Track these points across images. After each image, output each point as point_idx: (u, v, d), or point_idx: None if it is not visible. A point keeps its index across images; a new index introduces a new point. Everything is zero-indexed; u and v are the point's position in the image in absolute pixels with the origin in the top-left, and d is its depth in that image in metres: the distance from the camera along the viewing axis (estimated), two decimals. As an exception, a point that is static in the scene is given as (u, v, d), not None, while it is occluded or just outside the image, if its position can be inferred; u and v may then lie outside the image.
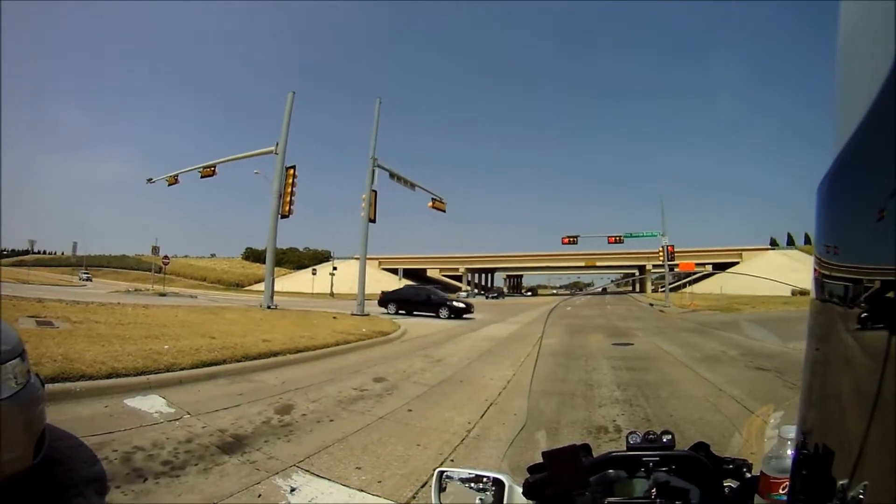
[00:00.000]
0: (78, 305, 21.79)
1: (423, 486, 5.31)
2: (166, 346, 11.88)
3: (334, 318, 25.11)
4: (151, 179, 44.02)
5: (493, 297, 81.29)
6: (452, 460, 6.27)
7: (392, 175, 36.39)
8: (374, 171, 33.64)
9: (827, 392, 0.99)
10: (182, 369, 10.19)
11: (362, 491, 5.24)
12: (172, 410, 7.89)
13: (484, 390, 10.28)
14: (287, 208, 32.44)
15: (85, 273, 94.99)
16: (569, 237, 60.81)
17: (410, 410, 8.61)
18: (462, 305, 33.86)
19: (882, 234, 0.73)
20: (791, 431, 1.33)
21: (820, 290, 0.96)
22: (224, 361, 11.33)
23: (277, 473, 5.60)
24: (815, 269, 0.98)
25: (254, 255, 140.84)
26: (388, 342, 18.55)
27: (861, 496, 0.79)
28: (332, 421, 7.81)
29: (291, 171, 32.92)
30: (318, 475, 5.63)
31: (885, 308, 0.74)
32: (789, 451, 1.31)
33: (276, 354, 12.89)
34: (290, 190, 32.55)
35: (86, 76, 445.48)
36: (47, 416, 4.84)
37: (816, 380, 1.02)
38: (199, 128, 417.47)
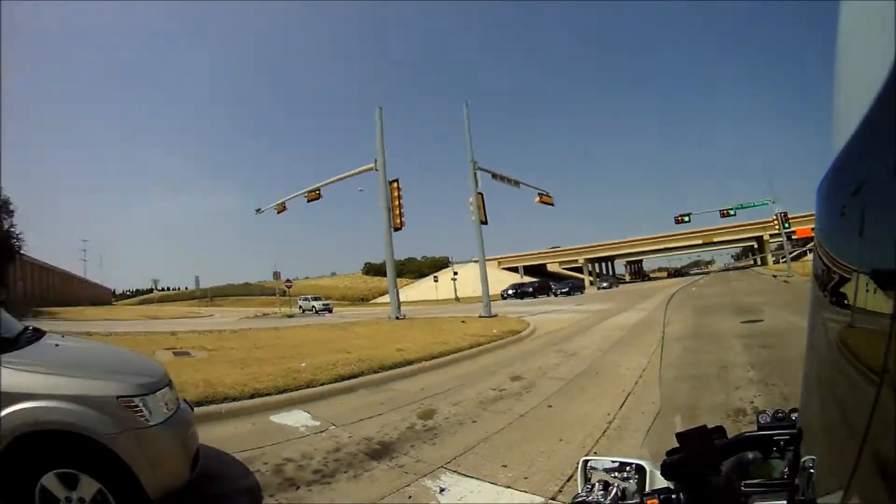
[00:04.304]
0: (211, 334, 22.82)
1: (568, 480, 5.38)
2: (303, 364, 12.30)
3: (463, 321, 25.08)
4: (260, 210, 45.12)
5: (563, 293, 68.66)
6: (595, 452, 6.23)
7: (494, 176, 35.95)
8: (475, 174, 33.30)
9: (829, 388, 0.98)
10: (322, 384, 10.52)
11: (510, 488, 5.36)
12: (318, 423, 8.25)
13: (620, 381, 10.16)
14: (398, 221, 32.45)
15: (319, 301, 66.18)
16: (681, 216, 59.20)
17: (550, 406, 8.67)
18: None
19: (883, 234, 0.73)
20: None
21: (821, 290, 0.96)
22: (362, 373, 11.66)
23: (426, 475, 5.82)
24: (820, 257, 0.98)
25: (373, 269, 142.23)
26: (519, 340, 18.67)
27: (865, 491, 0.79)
28: (474, 422, 7.97)
29: (395, 185, 32.83)
30: (465, 475, 5.80)
31: (886, 307, 0.71)
32: None
33: (411, 363, 13.10)
34: (397, 203, 32.52)
35: (181, 119, 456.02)
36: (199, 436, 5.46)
37: (814, 375, 1.04)
38: (295, 153, 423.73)
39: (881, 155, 0.73)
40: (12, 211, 51.71)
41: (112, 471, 4.24)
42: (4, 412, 3.97)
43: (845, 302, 0.84)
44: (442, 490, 5.43)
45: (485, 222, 33.49)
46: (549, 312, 32.02)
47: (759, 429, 1.60)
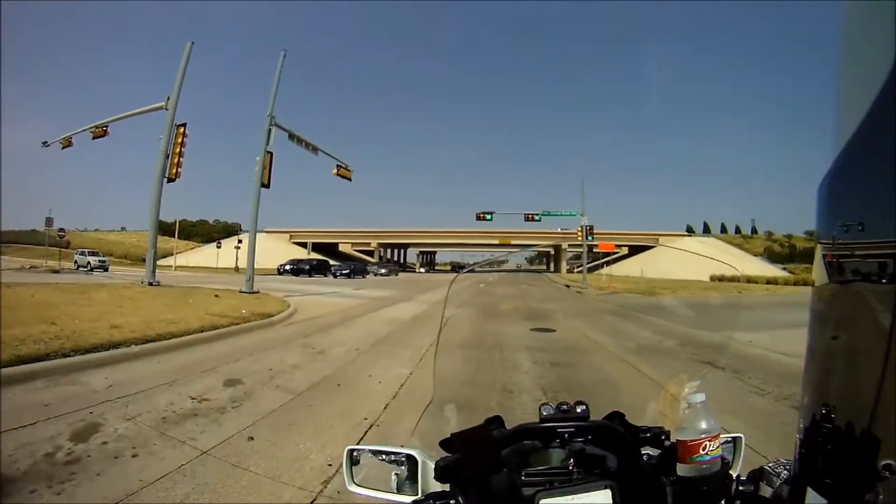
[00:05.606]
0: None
1: None
2: (-11, 337, 9.66)
3: (217, 296, 22.38)
4: (47, 143, 40.43)
5: (343, 274, 64.20)
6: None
7: (291, 136, 33.54)
8: (270, 131, 30.88)
9: (831, 377, 0.98)
10: (-8, 367, 8.30)
11: None
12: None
13: (367, 399, 7.90)
14: (175, 171, 29.75)
15: (95, 257, 57.48)
16: (483, 213, 59.30)
17: (252, 439, 6.13)
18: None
19: (883, 232, 0.78)
20: (698, 398, 1.36)
21: (825, 279, 0.97)
22: (48, 356, 9.22)
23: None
24: (824, 255, 0.97)
25: (163, 228, 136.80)
26: (269, 326, 16.15)
27: (886, 475, 0.79)
28: (135, 457, 5.48)
29: (182, 130, 30.17)
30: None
31: (888, 300, 0.77)
32: (701, 417, 1.34)
33: (118, 345, 10.60)
34: (178, 150, 29.84)
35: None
36: None
37: (820, 363, 1.01)
38: (87, 84, 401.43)
39: (882, 155, 0.79)
40: None
41: None
42: None
43: (845, 301, 0.94)
44: None
45: (266, 185, 31.13)
46: (322, 294, 30.63)
47: (542, 420, 1.58)
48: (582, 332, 16.19)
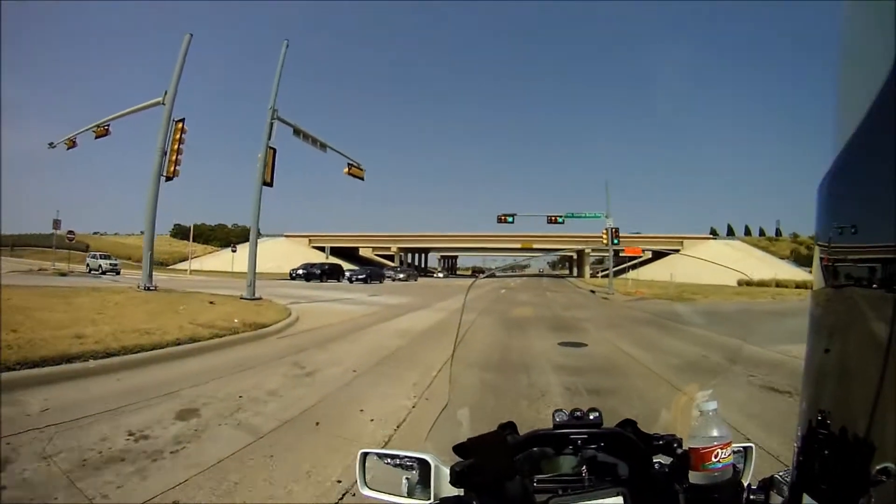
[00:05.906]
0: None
1: None
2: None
3: (211, 302, 20.61)
4: (53, 144, 39.39)
5: (359, 279, 61.25)
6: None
7: (297, 131, 31.53)
8: (272, 125, 29.00)
9: (828, 382, 1.02)
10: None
11: None
12: None
13: (349, 447, 5.90)
14: (172, 168, 28.21)
15: (107, 260, 56.40)
16: (504, 215, 57.86)
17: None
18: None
19: (882, 232, 0.78)
20: (710, 405, 1.39)
21: (823, 283, 1.00)
22: None
23: None
24: (822, 258, 1.00)
25: (181, 233, 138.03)
26: (260, 338, 14.38)
27: (883, 479, 0.81)
28: None
29: (180, 126, 28.66)
30: None
31: (886, 303, 0.78)
32: (713, 424, 1.36)
33: (73, 359, 9.12)
34: (176, 147, 28.31)
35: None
36: None
37: (819, 367, 1.04)
38: (91, 84, 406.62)
39: (883, 155, 0.80)
40: None
41: None
42: None
43: (843, 305, 0.97)
44: None
45: (269, 183, 29.18)
46: (333, 301, 29.04)
47: (555, 427, 1.62)
48: (616, 345, 14.39)
